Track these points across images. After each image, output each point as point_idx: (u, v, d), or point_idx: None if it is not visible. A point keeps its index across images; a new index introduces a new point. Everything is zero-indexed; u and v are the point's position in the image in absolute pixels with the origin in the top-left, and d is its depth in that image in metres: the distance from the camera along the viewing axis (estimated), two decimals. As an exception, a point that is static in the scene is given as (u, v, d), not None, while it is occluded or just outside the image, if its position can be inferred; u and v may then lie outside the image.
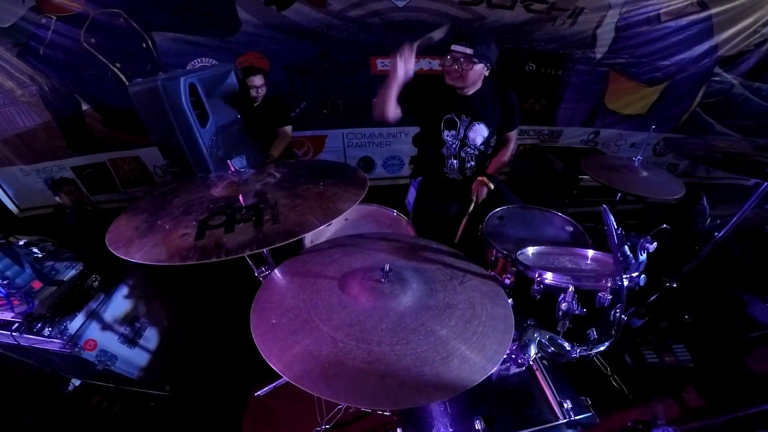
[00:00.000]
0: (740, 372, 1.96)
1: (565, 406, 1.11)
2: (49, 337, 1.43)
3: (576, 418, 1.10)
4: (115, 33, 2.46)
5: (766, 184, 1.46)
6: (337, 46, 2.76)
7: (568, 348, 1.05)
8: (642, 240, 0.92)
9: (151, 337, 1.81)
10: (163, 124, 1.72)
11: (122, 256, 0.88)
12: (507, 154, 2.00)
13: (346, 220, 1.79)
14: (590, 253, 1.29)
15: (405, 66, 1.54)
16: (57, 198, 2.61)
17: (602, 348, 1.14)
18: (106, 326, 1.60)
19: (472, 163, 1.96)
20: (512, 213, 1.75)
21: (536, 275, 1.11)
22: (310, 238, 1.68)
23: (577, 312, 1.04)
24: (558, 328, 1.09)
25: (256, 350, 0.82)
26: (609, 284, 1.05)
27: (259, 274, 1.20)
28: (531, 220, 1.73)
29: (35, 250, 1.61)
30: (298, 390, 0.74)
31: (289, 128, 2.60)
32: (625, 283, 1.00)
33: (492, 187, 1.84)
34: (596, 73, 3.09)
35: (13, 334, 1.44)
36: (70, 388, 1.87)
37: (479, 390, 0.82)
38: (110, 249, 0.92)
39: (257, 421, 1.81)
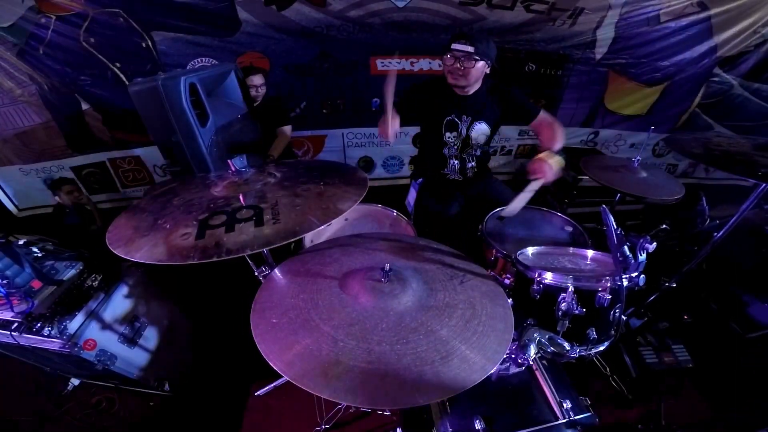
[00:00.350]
0: (740, 372, 1.96)
1: (565, 405, 1.11)
2: (48, 336, 1.43)
3: (576, 417, 1.09)
4: (115, 33, 2.46)
5: (763, 185, 1.46)
6: (337, 46, 2.76)
7: (568, 348, 1.05)
8: (641, 240, 0.92)
9: (150, 336, 1.81)
10: (164, 123, 1.72)
11: (122, 255, 0.88)
12: (556, 125, 1.74)
13: (346, 220, 1.79)
14: (590, 253, 1.29)
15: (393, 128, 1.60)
16: (56, 198, 2.62)
17: (602, 348, 1.14)
18: (105, 326, 1.60)
19: (473, 163, 1.97)
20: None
21: (536, 275, 1.11)
22: (310, 238, 1.68)
23: (576, 312, 1.05)
24: (557, 328, 1.09)
25: (256, 350, 0.82)
26: (608, 284, 1.05)
27: (260, 274, 1.20)
28: (531, 220, 1.73)
29: (35, 249, 1.61)
30: (298, 390, 0.74)
31: (288, 128, 2.60)
32: (625, 283, 1.00)
33: (554, 162, 1.52)
34: (596, 74, 3.09)
35: (13, 333, 1.43)
36: (69, 387, 1.87)
37: (479, 390, 0.82)
38: (110, 248, 0.92)
39: (257, 420, 1.81)
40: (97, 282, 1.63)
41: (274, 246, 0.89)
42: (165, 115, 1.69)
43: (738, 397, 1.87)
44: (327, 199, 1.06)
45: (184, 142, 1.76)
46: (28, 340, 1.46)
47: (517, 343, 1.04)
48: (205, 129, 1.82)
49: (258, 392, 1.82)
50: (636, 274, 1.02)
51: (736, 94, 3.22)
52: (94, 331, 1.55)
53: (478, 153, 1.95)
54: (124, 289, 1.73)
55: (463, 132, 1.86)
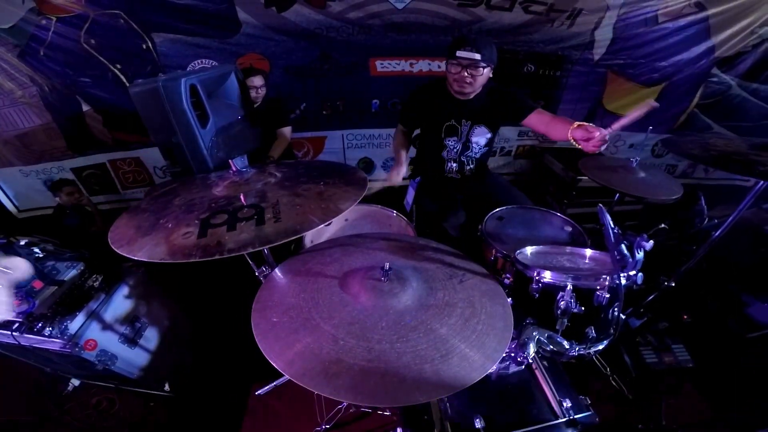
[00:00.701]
0: (740, 372, 1.97)
1: (565, 405, 1.12)
2: (49, 336, 1.44)
3: (575, 416, 1.10)
4: (115, 34, 2.47)
5: (761, 183, 1.47)
6: (337, 47, 2.77)
7: (567, 346, 1.06)
8: (638, 238, 0.92)
9: (151, 336, 1.81)
10: (164, 124, 1.73)
11: (125, 254, 0.89)
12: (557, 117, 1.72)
13: (346, 220, 1.79)
14: (588, 252, 1.29)
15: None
16: (57, 199, 2.62)
17: (601, 347, 1.14)
18: (106, 326, 1.60)
19: (471, 165, 1.97)
20: (512, 213, 1.75)
21: (535, 274, 1.12)
22: (310, 239, 1.69)
23: (575, 310, 1.05)
24: (557, 327, 1.09)
25: (257, 350, 0.82)
26: (607, 283, 1.05)
27: (260, 274, 1.20)
28: (530, 220, 1.74)
29: (36, 250, 1.61)
30: (298, 389, 0.74)
31: (287, 130, 2.61)
32: (623, 281, 1.00)
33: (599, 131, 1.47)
34: (594, 74, 3.10)
35: (14, 333, 1.44)
36: (69, 388, 1.87)
37: (479, 389, 0.82)
38: (113, 247, 0.92)
39: (258, 420, 1.81)
40: (98, 282, 1.64)
41: (275, 244, 0.89)
42: (166, 116, 1.70)
43: (738, 397, 1.87)
44: (327, 198, 1.07)
45: (184, 143, 1.77)
46: (28, 340, 1.46)
47: (516, 341, 1.05)
48: (205, 130, 1.83)
49: (258, 392, 1.82)
50: (634, 272, 1.02)
51: (735, 94, 3.24)
52: (94, 331, 1.55)
53: (478, 155, 1.96)
54: (124, 290, 1.73)
55: (464, 136, 1.86)
